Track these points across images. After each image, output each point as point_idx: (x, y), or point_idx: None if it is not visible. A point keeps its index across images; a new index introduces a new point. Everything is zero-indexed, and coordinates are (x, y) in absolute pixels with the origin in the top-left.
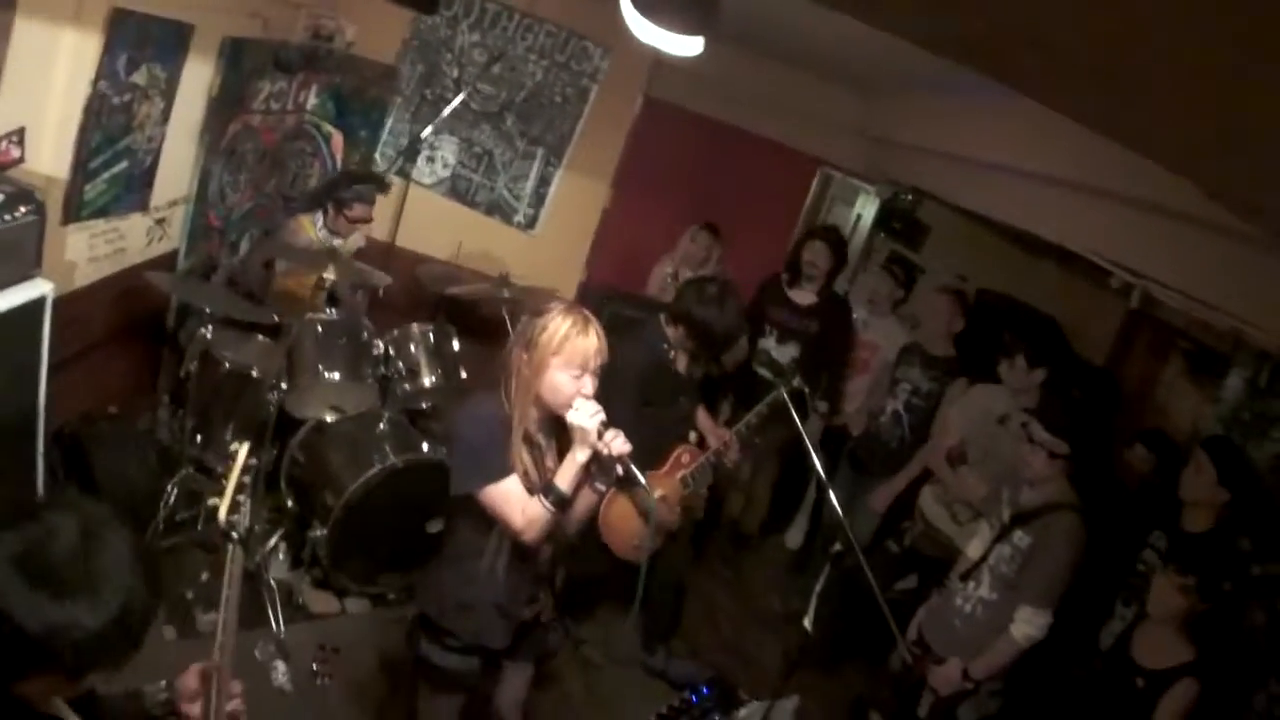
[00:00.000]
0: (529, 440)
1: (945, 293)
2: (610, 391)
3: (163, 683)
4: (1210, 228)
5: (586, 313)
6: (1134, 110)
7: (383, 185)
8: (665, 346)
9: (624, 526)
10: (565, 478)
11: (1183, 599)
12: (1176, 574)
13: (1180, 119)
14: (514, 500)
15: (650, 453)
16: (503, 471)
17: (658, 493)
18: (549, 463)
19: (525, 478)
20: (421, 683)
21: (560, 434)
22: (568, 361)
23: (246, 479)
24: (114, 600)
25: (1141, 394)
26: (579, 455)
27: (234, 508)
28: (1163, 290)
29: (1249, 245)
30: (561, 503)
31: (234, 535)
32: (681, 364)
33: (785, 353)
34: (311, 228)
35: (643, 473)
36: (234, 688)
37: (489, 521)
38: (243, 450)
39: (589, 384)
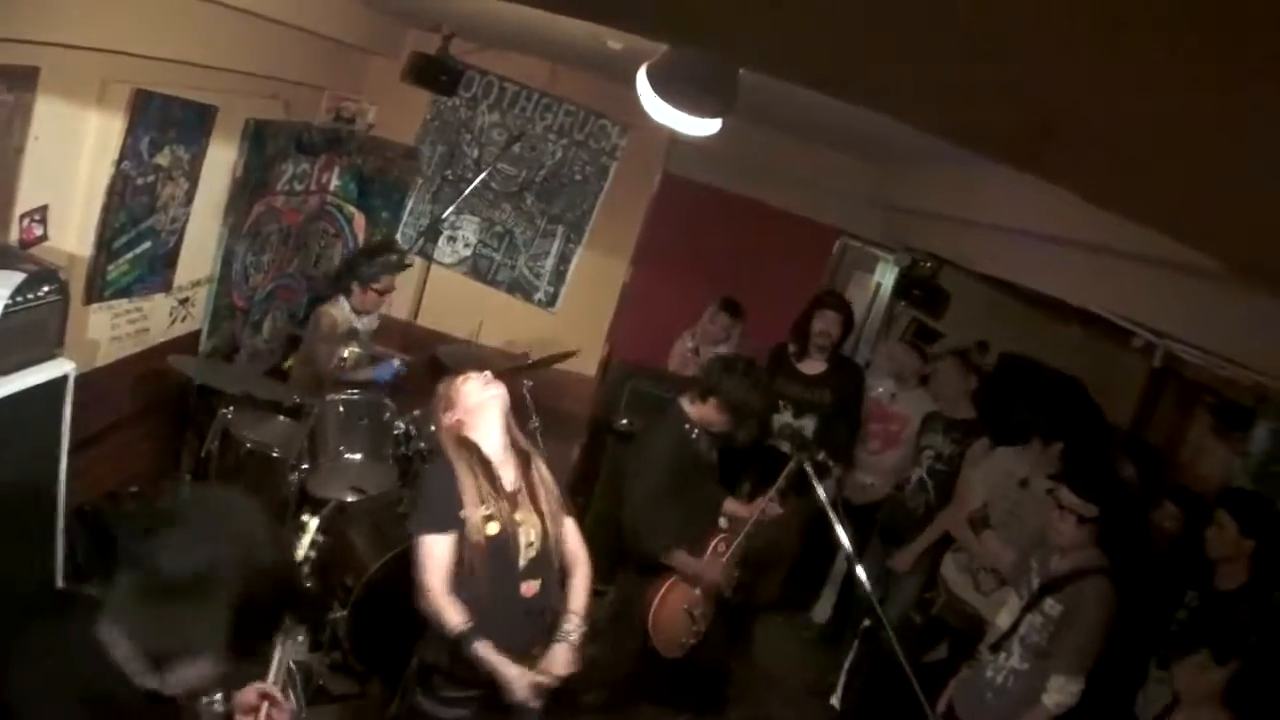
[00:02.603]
0: (482, 462)
1: (949, 356)
2: (638, 479)
3: (219, 695)
4: (1230, 284)
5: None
6: (1150, 194)
7: (401, 255)
8: (688, 428)
9: (672, 628)
10: (482, 658)
11: (1217, 679)
12: (1209, 659)
13: (1213, 206)
14: (434, 561)
15: (686, 540)
16: (440, 523)
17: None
18: (507, 477)
19: (478, 495)
20: None
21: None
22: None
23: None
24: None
25: (1169, 451)
26: (502, 669)
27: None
28: (1185, 348)
29: (1269, 299)
30: (462, 642)
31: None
32: (703, 445)
33: (805, 426)
34: (339, 312)
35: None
36: (286, 705)
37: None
38: (312, 522)
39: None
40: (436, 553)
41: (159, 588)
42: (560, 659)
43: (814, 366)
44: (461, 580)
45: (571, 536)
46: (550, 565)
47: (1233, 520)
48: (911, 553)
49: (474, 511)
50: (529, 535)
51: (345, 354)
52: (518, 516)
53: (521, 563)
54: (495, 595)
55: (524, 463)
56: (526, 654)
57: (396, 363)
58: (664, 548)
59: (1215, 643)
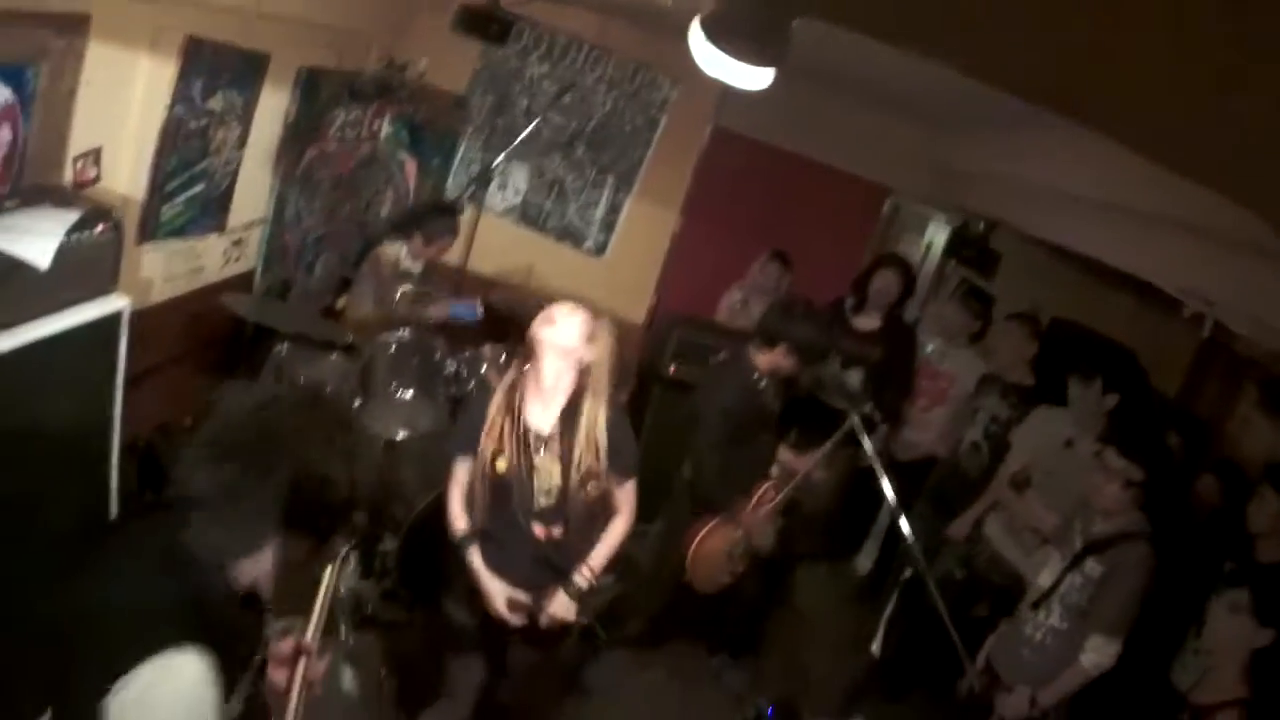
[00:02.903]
0: (510, 403)
1: (1015, 319)
2: (698, 428)
3: (255, 656)
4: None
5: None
6: (1205, 149)
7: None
8: (756, 377)
9: (710, 566)
10: (470, 564)
11: (1245, 629)
12: (1246, 601)
13: (1253, 157)
14: (453, 479)
15: (736, 485)
16: (462, 447)
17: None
18: (542, 420)
19: (497, 431)
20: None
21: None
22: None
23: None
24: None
25: (1215, 425)
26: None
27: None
28: (1235, 319)
29: None
30: (460, 545)
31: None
32: (769, 397)
33: (851, 379)
34: (394, 252)
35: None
36: (319, 661)
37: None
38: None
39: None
40: (456, 471)
41: (222, 477)
42: (557, 602)
43: (868, 323)
44: (470, 504)
45: (621, 494)
46: (567, 515)
47: (1276, 495)
48: (967, 520)
49: (487, 445)
50: (546, 481)
51: (399, 293)
52: (537, 461)
53: (536, 505)
54: (501, 529)
55: (573, 411)
56: (537, 593)
57: (479, 306)
58: (733, 502)
59: (1259, 595)
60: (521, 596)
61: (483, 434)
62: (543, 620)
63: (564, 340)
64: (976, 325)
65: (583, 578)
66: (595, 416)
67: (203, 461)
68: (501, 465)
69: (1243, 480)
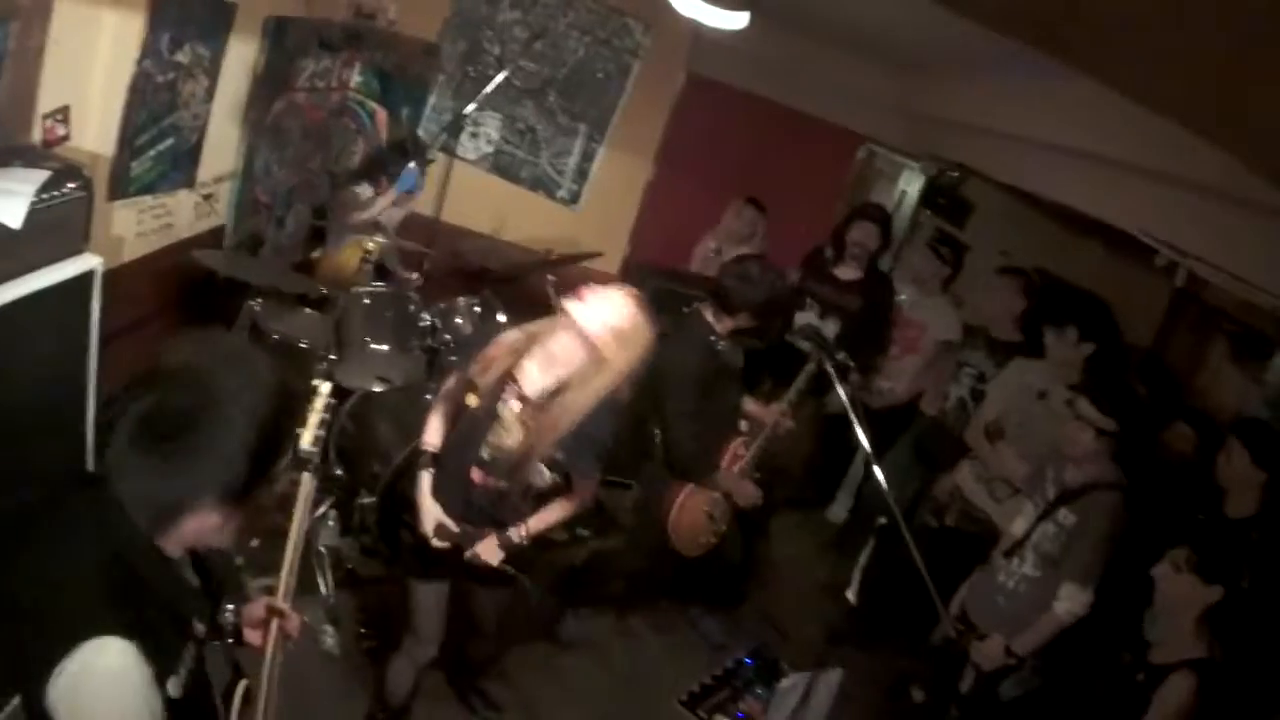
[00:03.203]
0: (515, 352)
1: (1008, 274)
2: (666, 396)
3: (229, 606)
4: (1256, 208)
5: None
6: (1169, 78)
7: (425, 152)
8: (713, 338)
9: (692, 529)
10: (417, 480)
11: (1187, 586)
12: (1184, 560)
13: (1213, 86)
14: (443, 395)
15: (711, 451)
16: (458, 365)
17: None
18: (535, 382)
19: (484, 367)
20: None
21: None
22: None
23: (325, 415)
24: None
25: (1185, 376)
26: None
27: (314, 440)
28: (1208, 269)
29: None
30: (426, 463)
31: (310, 465)
32: (728, 353)
33: (827, 327)
34: (362, 194)
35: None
36: (293, 617)
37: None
38: (324, 387)
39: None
40: (447, 383)
41: (149, 435)
42: (485, 545)
43: (847, 273)
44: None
45: (578, 483)
46: (510, 476)
47: (1244, 449)
48: (951, 481)
49: (476, 372)
50: (500, 438)
51: (370, 244)
52: (503, 414)
53: (484, 452)
54: (451, 459)
55: (559, 391)
56: (472, 531)
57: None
58: (712, 472)
59: (1202, 553)
60: (450, 525)
61: (478, 358)
62: (467, 555)
63: (585, 324)
64: (946, 271)
65: (517, 534)
66: (574, 407)
67: (132, 418)
68: (472, 399)
69: (1213, 429)
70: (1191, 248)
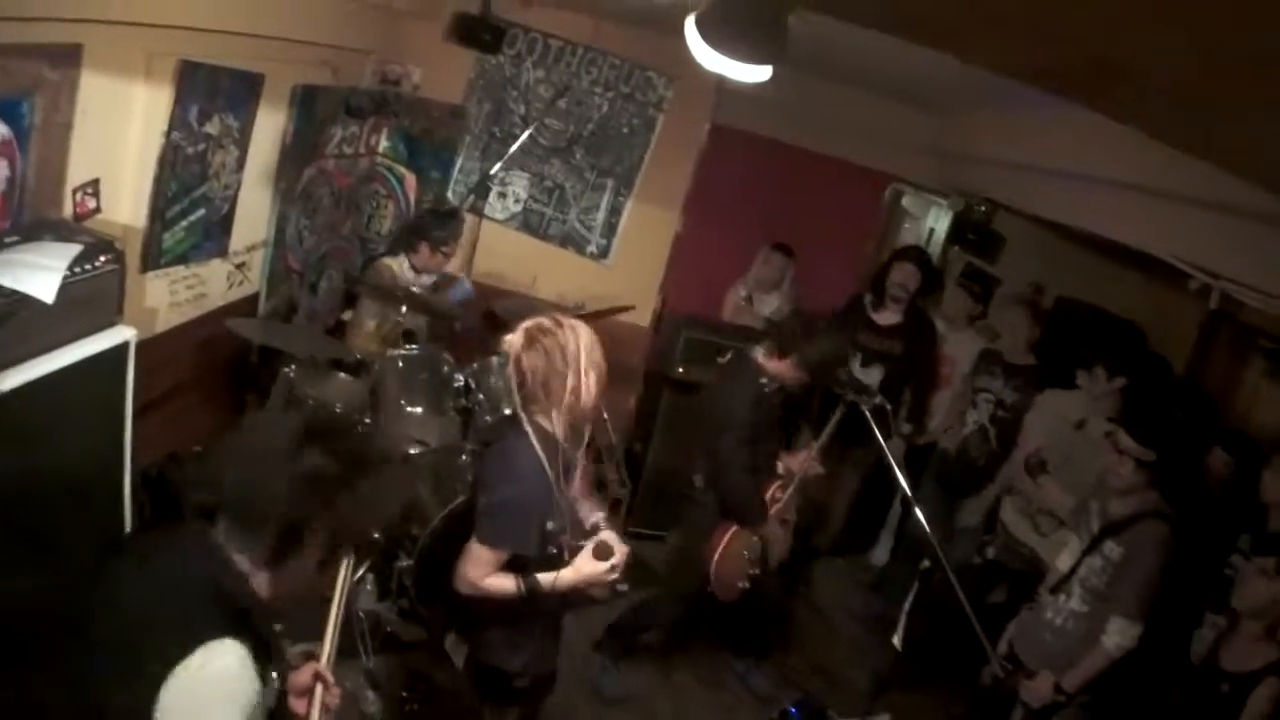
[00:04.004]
0: (565, 459)
1: (1019, 303)
2: (720, 433)
3: (275, 674)
4: None
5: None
6: (1219, 131)
7: (463, 219)
8: (764, 382)
9: (730, 573)
10: (556, 582)
11: (1271, 586)
12: (1274, 566)
13: (1266, 139)
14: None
15: (761, 494)
16: (525, 543)
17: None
18: (573, 483)
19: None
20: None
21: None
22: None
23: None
24: None
25: (1224, 397)
26: (580, 573)
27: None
28: (1241, 290)
29: None
30: (533, 596)
31: None
32: (777, 399)
33: (870, 375)
34: (397, 267)
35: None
36: (335, 689)
37: None
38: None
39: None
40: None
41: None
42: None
43: (888, 318)
44: None
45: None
46: None
47: None
48: (981, 505)
49: None
50: None
51: (399, 317)
52: None
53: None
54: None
55: None
56: None
57: (467, 281)
58: (764, 514)
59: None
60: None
61: None
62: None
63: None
64: (978, 309)
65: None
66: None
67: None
68: None
69: (1254, 450)
70: (1224, 270)
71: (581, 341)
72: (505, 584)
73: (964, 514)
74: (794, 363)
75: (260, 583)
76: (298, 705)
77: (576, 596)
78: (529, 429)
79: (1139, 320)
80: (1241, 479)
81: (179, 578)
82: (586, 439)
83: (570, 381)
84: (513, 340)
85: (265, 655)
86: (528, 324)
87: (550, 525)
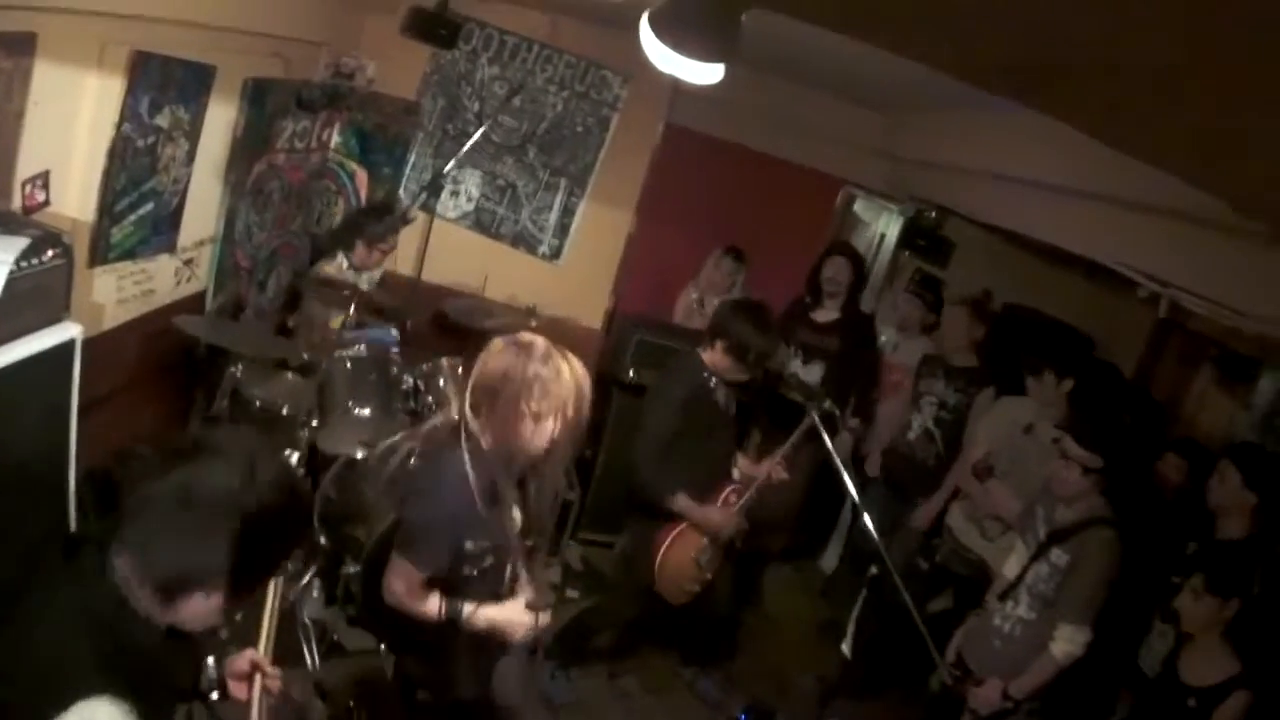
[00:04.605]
0: (497, 495)
1: (962, 303)
2: (646, 422)
3: (211, 660)
4: (1234, 233)
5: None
6: (1155, 130)
7: (404, 211)
8: (707, 375)
9: (678, 574)
10: (479, 617)
11: (1211, 608)
12: (1201, 584)
13: (1202, 137)
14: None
15: (696, 487)
16: (435, 560)
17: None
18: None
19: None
20: None
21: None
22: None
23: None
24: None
25: (1173, 404)
26: (504, 613)
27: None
28: (1190, 299)
29: (1275, 249)
30: (453, 622)
31: None
32: (721, 395)
33: (811, 373)
34: (334, 270)
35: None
36: (275, 671)
37: None
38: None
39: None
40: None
41: (165, 518)
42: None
43: (826, 315)
44: None
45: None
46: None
47: (1236, 472)
48: (930, 510)
49: None
50: None
51: (334, 323)
52: None
53: None
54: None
55: None
56: None
57: (394, 330)
58: (670, 492)
59: (1212, 573)
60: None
61: None
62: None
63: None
64: (931, 318)
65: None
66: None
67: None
68: None
69: (1205, 457)
70: (1173, 277)
71: (568, 388)
72: (429, 605)
73: (913, 518)
74: (724, 348)
75: (215, 604)
76: (238, 690)
77: (495, 634)
78: (464, 440)
79: (1088, 327)
80: (1195, 485)
81: (70, 622)
82: (518, 477)
83: (525, 416)
84: (498, 341)
85: (162, 701)
86: (528, 335)
87: (469, 545)
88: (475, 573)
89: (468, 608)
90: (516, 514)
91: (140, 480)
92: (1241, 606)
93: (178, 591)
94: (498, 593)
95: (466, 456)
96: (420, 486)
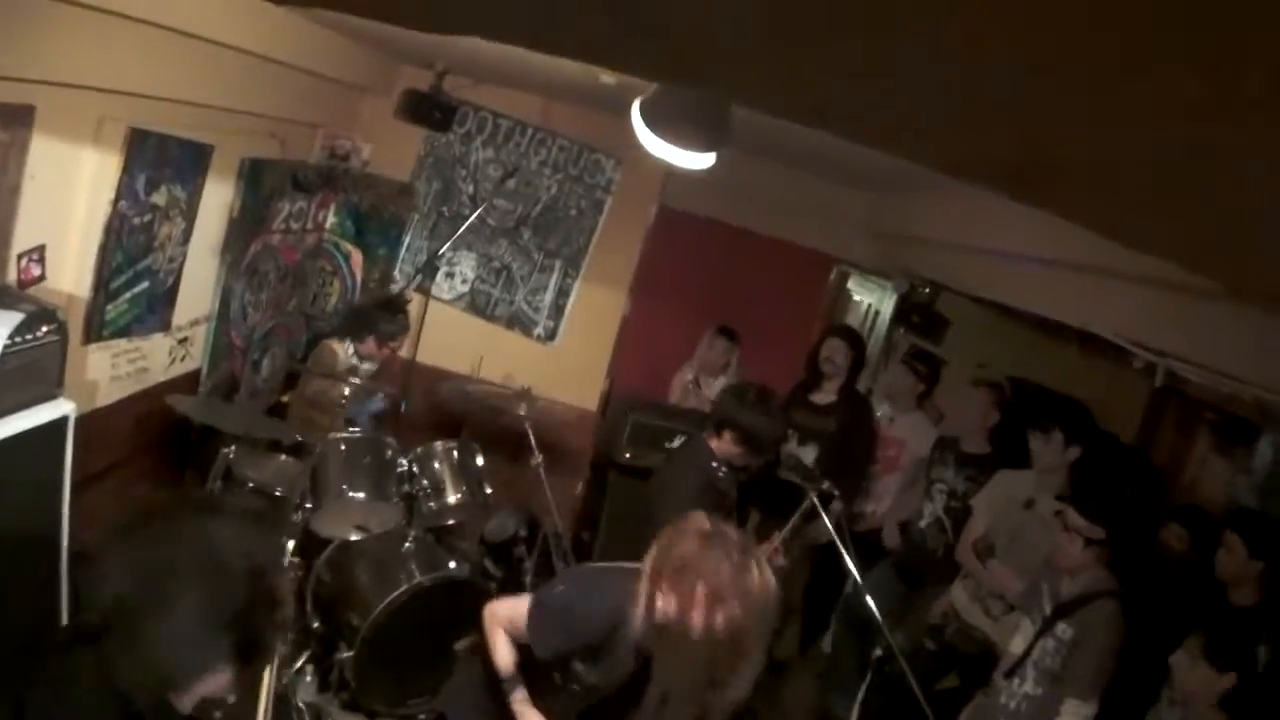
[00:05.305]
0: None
1: (981, 385)
2: (658, 518)
3: None
4: (1228, 300)
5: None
6: (1156, 224)
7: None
8: (715, 465)
9: None
10: (518, 703)
11: (1207, 678)
12: (1199, 649)
13: (1210, 231)
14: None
15: None
16: (545, 639)
17: None
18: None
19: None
20: None
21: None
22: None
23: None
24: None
25: (1172, 470)
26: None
27: None
28: (1186, 367)
29: (1268, 313)
30: (499, 687)
31: None
32: (726, 482)
33: (806, 454)
34: (341, 351)
35: None
36: None
37: None
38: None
39: None
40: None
41: (149, 622)
42: None
43: (824, 396)
44: None
45: None
46: None
47: (1241, 542)
48: (945, 602)
49: None
50: None
51: (344, 395)
52: None
53: None
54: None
55: None
56: None
57: (380, 400)
58: None
59: (1211, 639)
60: None
61: None
62: None
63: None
64: (921, 387)
65: None
66: None
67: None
68: None
69: (1208, 524)
70: (1168, 346)
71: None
72: (501, 649)
73: (930, 611)
74: (731, 437)
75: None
76: None
77: None
78: (641, 593)
79: (1085, 397)
80: (1198, 554)
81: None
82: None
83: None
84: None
85: None
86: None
87: (578, 665)
88: (560, 683)
89: (520, 691)
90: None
91: (104, 581)
92: (1240, 681)
93: (186, 681)
94: (557, 712)
95: (629, 610)
96: (584, 585)
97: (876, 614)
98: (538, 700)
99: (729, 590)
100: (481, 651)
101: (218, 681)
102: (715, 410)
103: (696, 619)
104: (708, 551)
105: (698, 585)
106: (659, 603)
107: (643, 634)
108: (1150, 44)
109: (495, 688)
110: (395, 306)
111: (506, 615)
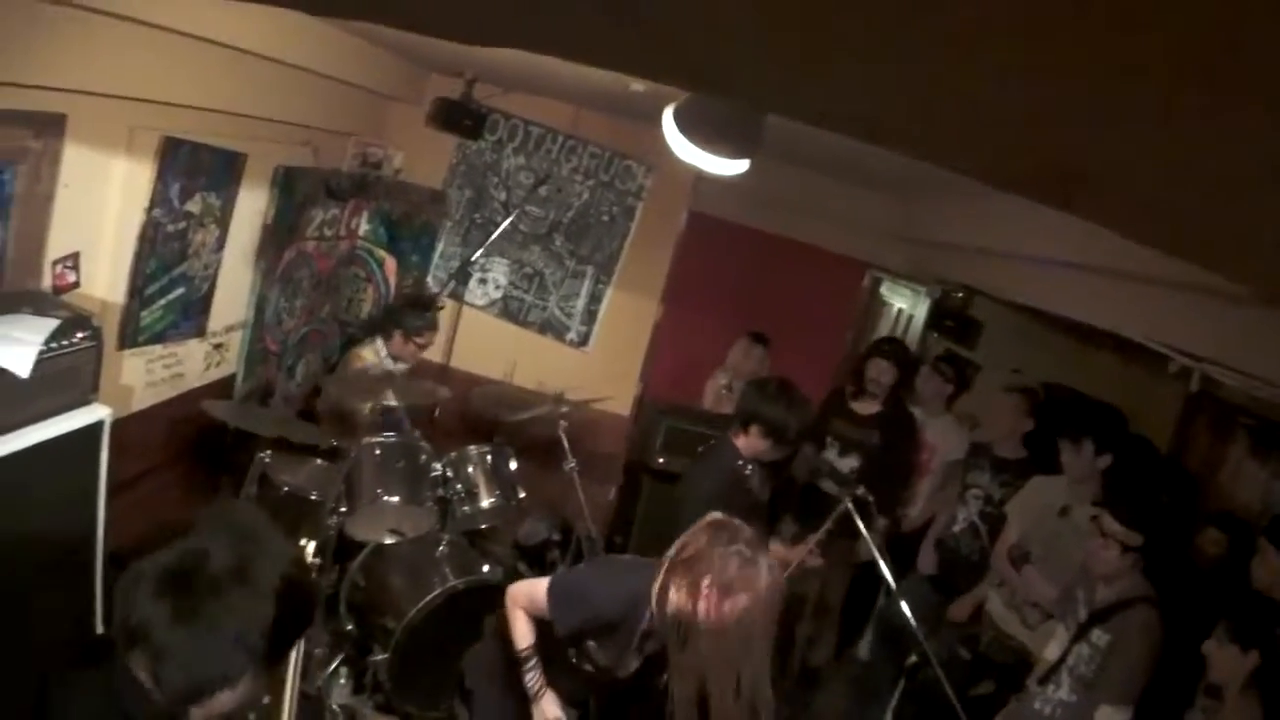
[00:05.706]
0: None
1: (1014, 391)
2: (683, 517)
3: None
4: (1263, 304)
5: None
6: (1193, 231)
7: (439, 308)
8: (741, 463)
9: None
10: (532, 680)
11: (1235, 659)
12: (1225, 632)
13: (1247, 237)
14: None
15: None
16: (564, 617)
17: None
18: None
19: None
20: None
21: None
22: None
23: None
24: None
25: (1206, 475)
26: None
27: None
28: (1222, 371)
29: None
30: (517, 666)
31: None
32: (755, 482)
33: (846, 464)
34: (372, 354)
35: None
36: None
37: None
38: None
39: None
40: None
41: (171, 638)
42: None
43: (867, 407)
44: None
45: None
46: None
47: (1276, 551)
48: (969, 602)
49: None
50: None
51: (367, 408)
52: None
53: None
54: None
55: None
56: None
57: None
58: None
59: (1237, 621)
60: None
61: None
62: None
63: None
64: (949, 389)
65: None
66: None
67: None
68: None
69: (1245, 530)
70: (1204, 351)
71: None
72: (520, 627)
73: (953, 609)
74: (758, 431)
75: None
76: None
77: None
78: (656, 582)
79: (1119, 402)
80: (1234, 559)
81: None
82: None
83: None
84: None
85: None
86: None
87: (591, 644)
88: (575, 661)
89: (534, 674)
90: (634, 663)
91: (132, 594)
92: (1263, 659)
93: (208, 692)
94: (568, 691)
95: (642, 598)
96: (603, 575)
97: (911, 620)
98: (551, 677)
99: (737, 583)
100: (502, 630)
101: (239, 694)
102: (739, 407)
103: (704, 610)
104: (718, 546)
105: (706, 577)
106: (670, 593)
107: (655, 622)
108: (1168, 51)
109: (512, 664)
110: (423, 303)
111: (527, 594)
